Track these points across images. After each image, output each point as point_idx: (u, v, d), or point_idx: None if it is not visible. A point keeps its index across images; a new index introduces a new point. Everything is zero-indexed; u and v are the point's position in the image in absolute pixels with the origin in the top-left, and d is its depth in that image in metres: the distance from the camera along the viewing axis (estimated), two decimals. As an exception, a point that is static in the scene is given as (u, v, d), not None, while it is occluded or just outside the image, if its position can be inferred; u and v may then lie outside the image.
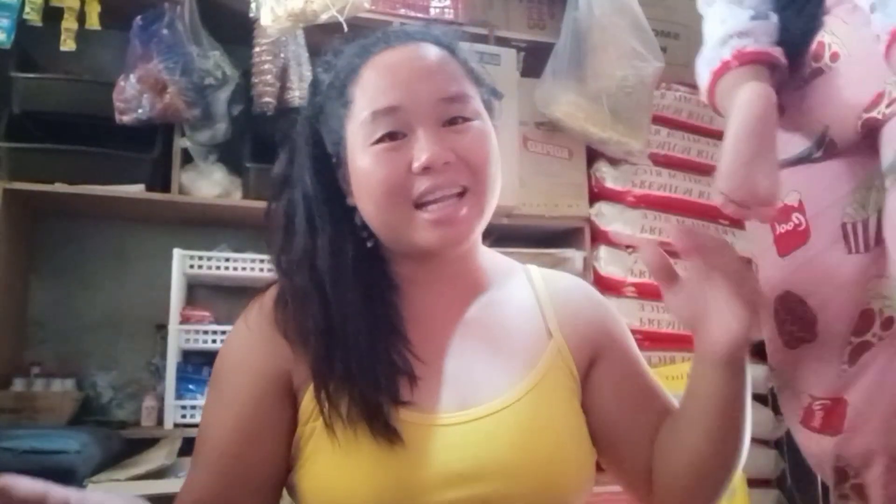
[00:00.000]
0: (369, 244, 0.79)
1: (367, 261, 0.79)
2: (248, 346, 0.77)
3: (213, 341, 2.00)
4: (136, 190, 2.07)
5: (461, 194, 0.74)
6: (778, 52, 0.99)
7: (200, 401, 1.99)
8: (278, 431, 0.75)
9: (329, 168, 0.80)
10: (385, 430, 0.70)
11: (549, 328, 0.80)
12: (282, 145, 0.84)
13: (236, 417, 0.74)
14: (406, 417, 0.71)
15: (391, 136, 0.74)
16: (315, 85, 0.83)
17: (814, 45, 1.01)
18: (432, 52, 0.78)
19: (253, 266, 2.06)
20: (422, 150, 0.72)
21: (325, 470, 0.71)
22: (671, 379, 2.18)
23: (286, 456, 0.75)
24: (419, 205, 0.74)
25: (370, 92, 0.76)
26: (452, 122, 0.76)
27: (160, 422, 1.99)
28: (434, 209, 0.73)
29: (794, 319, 1.05)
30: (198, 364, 2.08)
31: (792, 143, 1.04)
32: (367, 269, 0.78)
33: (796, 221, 1.05)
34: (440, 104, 0.75)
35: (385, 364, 0.73)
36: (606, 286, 2.23)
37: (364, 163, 0.75)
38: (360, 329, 0.74)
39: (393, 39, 0.79)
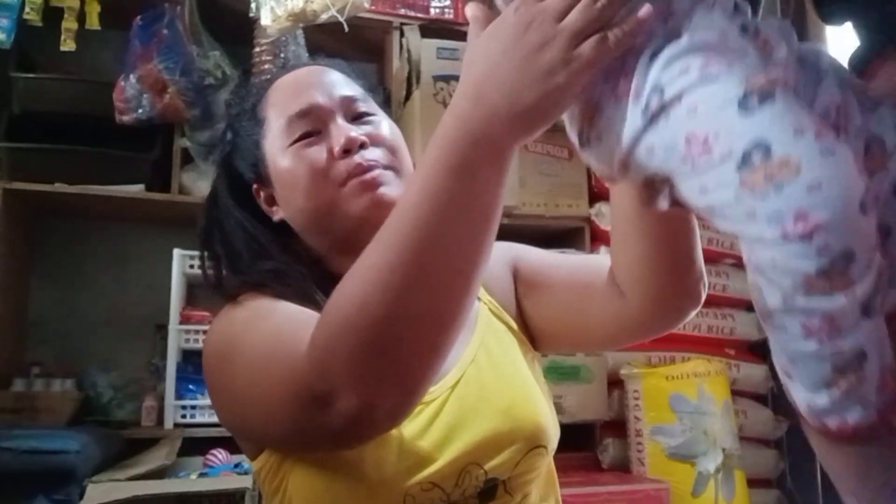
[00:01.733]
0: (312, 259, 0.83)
1: (317, 266, 0.83)
2: (243, 310, 0.76)
3: (213, 341, 2.00)
4: (136, 190, 2.08)
5: (384, 168, 0.80)
6: None
7: (200, 401, 1.99)
8: None
9: (250, 197, 0.86)
10: None
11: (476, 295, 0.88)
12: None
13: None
14: None
15: (307, 135, 0.81)
16: (226, 127, 0.91)
17: None
18: (327, 69, 0.87)
19: (253, 266, 2.06)
20: (339, 136, 0.79)
21: (325, 455, 0.72)
22: (671, 379, 2.17)
23: None
24: (344, 183, 0.79)
25: (281, 104, 0.83)
26: (360, 117, 0.83)
27: (160, 422, 2.00)
28: (361, 177, 0.78)
29: None
30: (198, 364, 2.04)
31: None
32: (319, 276, 0.80)
33: None
34: (346, 101, 0.83)
35: None
36: (606, 286, 2.22)
37: (286, 161, 0.80)
38: None
39: (290, 67, 0.89)
